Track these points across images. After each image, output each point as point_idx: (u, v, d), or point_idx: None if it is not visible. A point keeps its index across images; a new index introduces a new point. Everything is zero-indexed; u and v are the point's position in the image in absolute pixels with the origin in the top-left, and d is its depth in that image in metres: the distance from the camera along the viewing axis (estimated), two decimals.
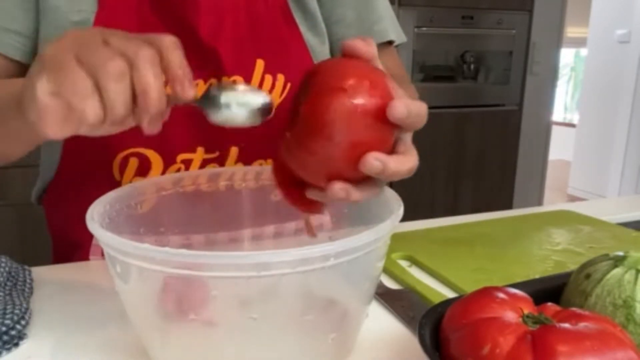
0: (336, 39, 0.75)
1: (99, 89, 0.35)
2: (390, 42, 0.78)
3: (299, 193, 0.44)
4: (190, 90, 0.38)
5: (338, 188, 0.39)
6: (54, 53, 0.36)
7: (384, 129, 0.39)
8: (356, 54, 0.41)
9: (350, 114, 0.37)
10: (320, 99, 0.38)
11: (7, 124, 0.48)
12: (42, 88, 0.35)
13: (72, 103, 0.34)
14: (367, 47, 0.41)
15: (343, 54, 0.41)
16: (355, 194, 0.40)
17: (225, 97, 0.40)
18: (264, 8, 0.69)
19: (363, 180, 0.41)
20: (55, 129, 0.36)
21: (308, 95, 0.39)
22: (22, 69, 0.65)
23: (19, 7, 0.62)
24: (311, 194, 0.43)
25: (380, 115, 0.38)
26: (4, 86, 0.52)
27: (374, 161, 0.38)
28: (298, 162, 0.41)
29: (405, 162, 0.40)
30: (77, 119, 0.35)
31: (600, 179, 3.81)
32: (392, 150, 0.41)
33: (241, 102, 0.40)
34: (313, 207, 0.45)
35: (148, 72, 0.35)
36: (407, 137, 0.42)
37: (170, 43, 0.38)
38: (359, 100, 0.37)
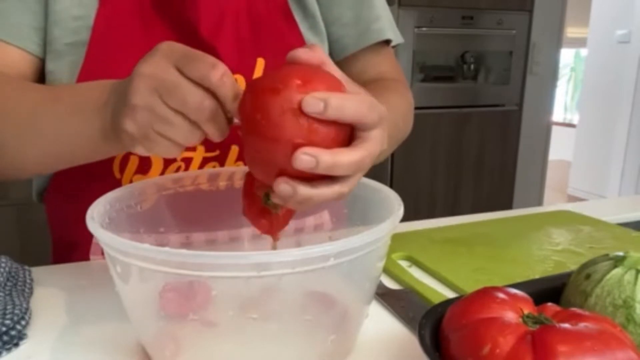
0: (334, 39, 0.75)
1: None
2: (387, 42, 0.78)
3: (260, 213, 0.46)
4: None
5: (283, 183, 0.39)
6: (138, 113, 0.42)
7: (324, 125, 0.39)
8: (298, 62, 0.41)
9: (281, 111, 0.38)
10: (252, 99, 0.40)
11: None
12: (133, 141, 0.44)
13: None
14: (310, 54, 0.41)
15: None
16: (303, 189, 0.39)
17: None
18: (264, 7, 0.69)
19: (317, 178, 0.40)
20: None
21: (243, 98, 0.41)
22: (39, 63, 0.65)
23: (37, 1, 0.63)
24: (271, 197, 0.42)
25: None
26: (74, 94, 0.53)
27: (303, 155, 0.37)
28: (250, 162, 0.43)
29: (347, 154, 0.39)
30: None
31: (600, 179, 3.81)
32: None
33: None
34: (268, 228, 0.47)
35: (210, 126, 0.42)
36: (368, 133, 0.41)
37: (218, 78, 0.40)
38: (289, 97, 0.38)
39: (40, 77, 0.66)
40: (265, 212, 0.46)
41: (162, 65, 0.41)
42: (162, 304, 0.43)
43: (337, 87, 0.40)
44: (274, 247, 0.49)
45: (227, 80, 0.41)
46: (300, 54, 0.41)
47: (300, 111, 0.38)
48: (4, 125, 0.55)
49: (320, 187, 0.40)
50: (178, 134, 0.42)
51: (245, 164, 0.47)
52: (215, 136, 0.43)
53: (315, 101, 0.38)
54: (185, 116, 0.41)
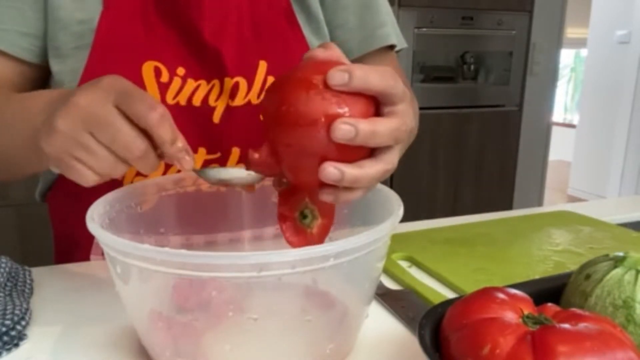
0: (338, 43, 0.75)
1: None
2: (391, 47, 0.78)
3: (296, 233, 0.46)
4: (187, 164, 0.44)
5: (329, 167, 0.38)
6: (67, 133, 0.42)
7: (352, 99, 0.38)
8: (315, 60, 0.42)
9: (306, 93, 0.38)
10: (273, 96, 0.40)
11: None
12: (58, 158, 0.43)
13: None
14: (327, 52, 0.42)
15: None
16: (350, 169, 0.38)
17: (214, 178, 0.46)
18: (267, 10, 0.69)
19: (357, 159, 0.40)
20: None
21: (263, 102, 0.41)
22: (35, 70, 0.65)
23: (32, 8, 0.63)
24: (323, 196, 0.41)
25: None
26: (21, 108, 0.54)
27: (342, 125, 0.37)
28: (288, 168, 0.41)
29: (383, 122, 0.39)
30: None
31: (600, 180, 3.82)
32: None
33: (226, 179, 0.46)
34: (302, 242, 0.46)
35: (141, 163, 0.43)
36: (395, 107, 0.40)
37: (156, 120, 0.41)
38: (312, 79, 0.38)
39: (30, 82, 0.66)
40: (300, 232, 0.46)
41: (100, 99, 0.42)
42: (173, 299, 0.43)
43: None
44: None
45: (165, 123, 0.41)
46: (317, 52, 0.42)
47: (325, 88, 0.38)
48: None
49: (365, 166, 0.39)
50: (100, 165, 0.43)
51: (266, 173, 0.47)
52: (144, 171, 0.44)
53: (339, 73, 0.37)
54: (111, 151, 0.42)
